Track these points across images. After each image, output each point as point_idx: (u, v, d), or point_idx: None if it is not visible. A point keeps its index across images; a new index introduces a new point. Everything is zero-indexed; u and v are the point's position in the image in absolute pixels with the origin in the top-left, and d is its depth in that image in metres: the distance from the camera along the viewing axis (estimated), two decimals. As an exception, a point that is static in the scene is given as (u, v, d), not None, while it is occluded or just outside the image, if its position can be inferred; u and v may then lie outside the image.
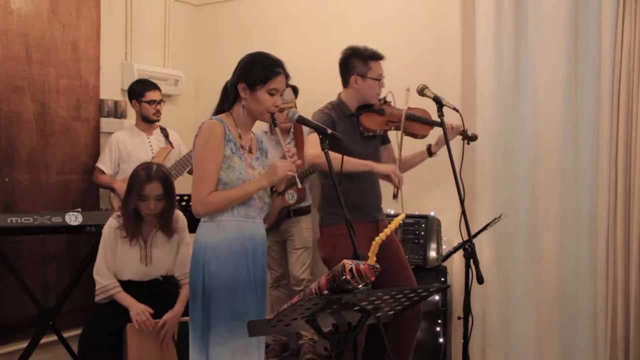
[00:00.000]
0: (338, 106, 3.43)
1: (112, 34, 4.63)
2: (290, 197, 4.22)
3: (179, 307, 3.25)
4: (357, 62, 3.37)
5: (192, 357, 2.57)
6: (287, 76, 2.61)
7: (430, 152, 3.45)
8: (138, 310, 3.15)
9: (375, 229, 3.36)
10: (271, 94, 2.56)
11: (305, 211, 4.49)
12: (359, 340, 3.32)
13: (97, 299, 3.23)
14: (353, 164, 3.20)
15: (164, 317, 3.20)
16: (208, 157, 2.52)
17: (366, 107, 3.42)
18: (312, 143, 3.09)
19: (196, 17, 5.37)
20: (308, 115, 2.61)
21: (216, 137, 2.53)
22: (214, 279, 2.52)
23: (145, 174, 3.19)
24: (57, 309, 3.86)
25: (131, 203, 3.21)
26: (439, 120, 3.16)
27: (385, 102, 3.46)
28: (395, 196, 3.28)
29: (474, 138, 3.44)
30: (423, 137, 3.43)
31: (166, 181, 3.23)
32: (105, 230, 3.29)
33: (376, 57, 3.37)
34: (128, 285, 3.25)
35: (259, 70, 2.54)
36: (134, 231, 3.23)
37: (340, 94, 3.47)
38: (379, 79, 3.37)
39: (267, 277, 4.43)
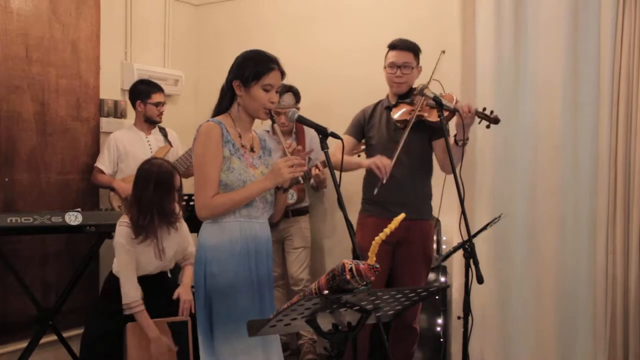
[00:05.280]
0: (384, 100, 3.53)
1: (112, 34, 4.63)
2: (291, 196, 4.24)
3: (187, 280, 3.34)
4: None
5: (202, 356, 2.58)
6: (282, 72, 2.59)
7: (457, 142, 3.22)
8: (158, 346, 3.15)
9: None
10: (266, 90, 2.54)
11: (304, 211, 4.51)
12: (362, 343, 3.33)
13: (125, 312, 3.14)
14: (350, 163, 3.41)
15: (177, 292, 3.29)
16: (208, 161, 2.51)
17: (402, 98, 3.43)
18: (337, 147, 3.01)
19: (196, 17, 5.38)
20: (307, 116, 2.59)
21: (213, 139, 2.51)
22: (216, 280, 2.52)
23: (166, 168, 3.21)
24: (57, 309, 3.86)
25: (156, 200, 3.17)
26: (452, 107, 3.12)
27: (422, 92, 3.30)
28: (377, 187, 3.23)
29: (496, 120, 3.19)
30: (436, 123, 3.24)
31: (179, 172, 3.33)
32: (120, 240, 3.16)
33: (391, 46, 3.45)
34: (140, 280, 3.23)
35: (252, 67, 2.53)
36: (152, 229, 3.21)
37: None
38: (391, 67, 3.39)
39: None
